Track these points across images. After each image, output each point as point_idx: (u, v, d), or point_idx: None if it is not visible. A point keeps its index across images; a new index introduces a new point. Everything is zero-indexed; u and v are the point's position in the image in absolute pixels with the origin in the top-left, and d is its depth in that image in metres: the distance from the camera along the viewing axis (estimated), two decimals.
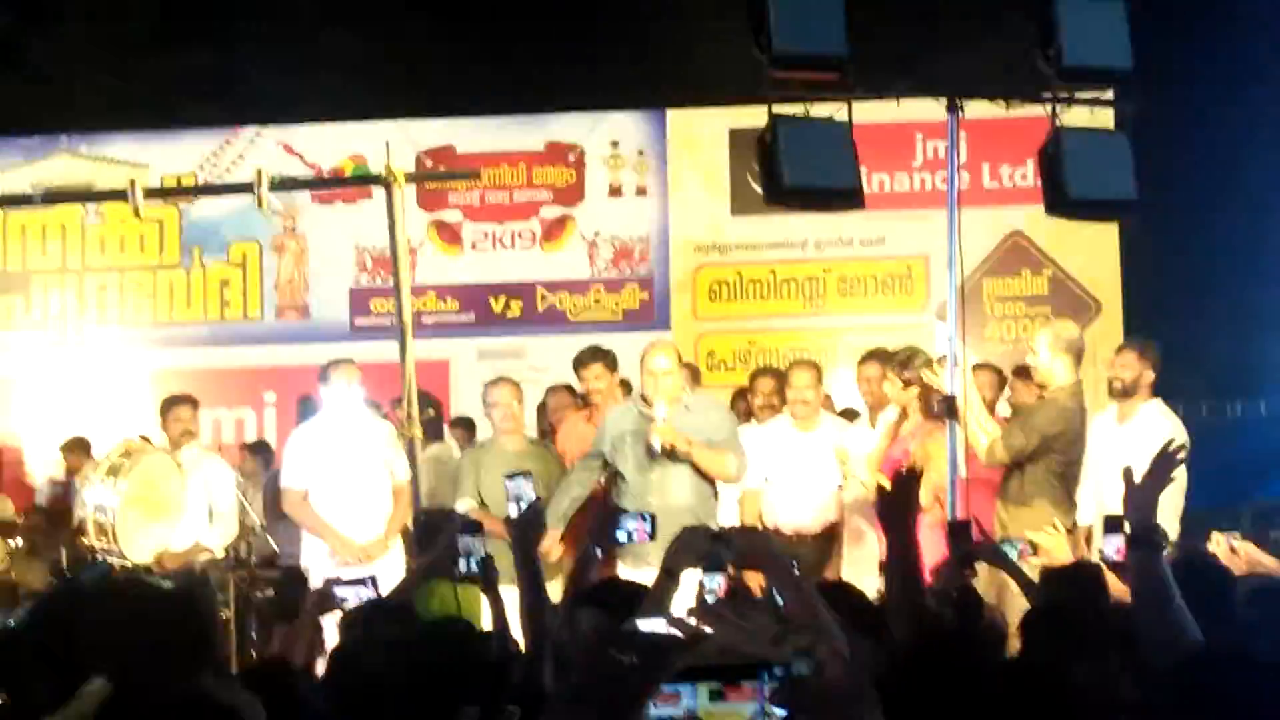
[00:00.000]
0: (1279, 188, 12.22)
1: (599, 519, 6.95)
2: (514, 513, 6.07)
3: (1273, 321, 12.26)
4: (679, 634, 3.48)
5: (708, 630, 3.83)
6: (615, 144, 14.28)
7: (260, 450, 12.43)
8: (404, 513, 10.06)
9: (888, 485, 9.22)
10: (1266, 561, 7.26)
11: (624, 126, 14.29)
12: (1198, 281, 12.61)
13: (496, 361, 13.66)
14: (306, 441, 10.23)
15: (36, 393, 14.26)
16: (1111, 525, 6.95)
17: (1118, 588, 6.17)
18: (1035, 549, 7.46)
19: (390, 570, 9.19)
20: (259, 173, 10.00)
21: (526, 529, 5.86)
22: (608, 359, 10.40)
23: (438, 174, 13.85)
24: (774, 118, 8.99)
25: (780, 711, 3.55)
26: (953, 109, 9.27)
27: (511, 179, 14.27)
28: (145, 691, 4.57)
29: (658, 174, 14.19)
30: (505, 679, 4.97)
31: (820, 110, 9.16)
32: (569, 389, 11.23)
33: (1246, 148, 12.18)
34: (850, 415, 11.07)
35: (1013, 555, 7.49)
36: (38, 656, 4.92)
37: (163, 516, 10.44)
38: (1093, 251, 13.59)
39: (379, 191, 10.66)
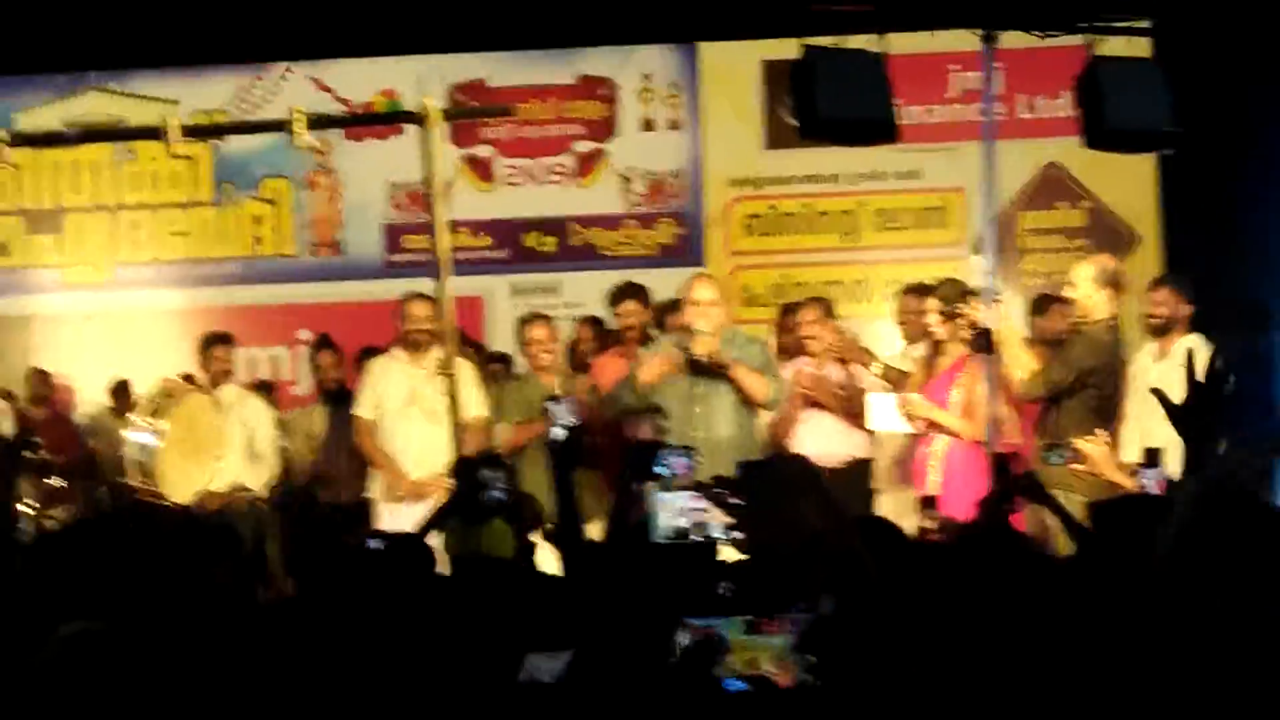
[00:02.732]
0: None
1: (638, 454, 6.94)
2: (555, 436, 6.00)
3: None
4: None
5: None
6: (647, 77, 14.16)
7: (263, 390, 12.38)
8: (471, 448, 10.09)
9: (934, 418, 9.27)
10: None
11: (656, 60, 14.17)
12: (1237, 212, 12.48)
13: (530, 298, 13.65)
14: (380, 373, 10.28)
15: (76, 331, 14.25)
16: (1151, 459, 6.94)
17: None
18: (1079, 456, 7.47)
19: None
20: (294, 110, 9.96)
21: (566, 454, 5.82)
22: (642, 295, 10.43)
23: (471, 110, 13.74)
24: (807, 50, 8.97)
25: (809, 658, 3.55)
26: (987, 40, 9.22)
27: (543, 114, 14.18)
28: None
29: (690, 108, 14.08)
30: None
31: (853, 42, 9.13)
32: (594, 321, 11.32)
33: None
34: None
35: (1058, 463, 7.50)
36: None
37: (203, 456, 10.48)
38: (1130, 183, 13.45)
39: (410, 127, 10.60)
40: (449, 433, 9.84)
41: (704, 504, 4.81)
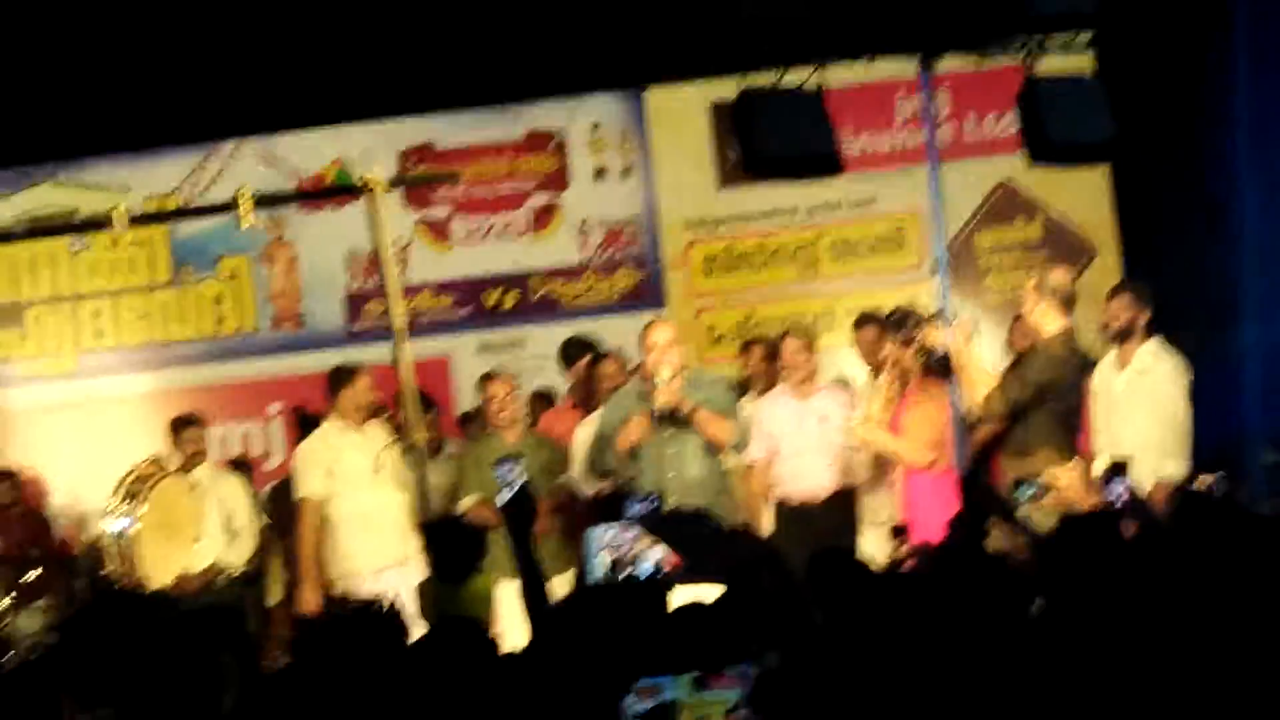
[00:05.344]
0: (1267, 115, 12.11)
1: (605, 502, 6.92)
2: (504, 498, 5.96)
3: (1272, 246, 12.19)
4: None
5: None
6: (596, 127, 14.17)
7: (239, 467, 12.40)
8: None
9: (892, 446, 9.33)
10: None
11: (604, 108, 14.19)
12: (1195, 215, 12.51)
13: (498, 354, 13.66)
14: (325, 448, 10.21)
15: (44, 424, 14.22)
16: (1117, 470, 6.94)
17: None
18: (1049, 489, 7.45)
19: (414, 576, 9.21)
20: (238, 191, 10.02)
21: (519, 514, 5.80)
22: (592, 349, 10.54)
23: (415, 178, 13.75)
24: (746, 89, 9.01)
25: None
26: (925, 65, 9.25)
27: (496, 171, 14.19)
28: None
29: (641, 153, 14.09)
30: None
31: (794, 77, 9.17)
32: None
33: (1228, 77, 12.08)
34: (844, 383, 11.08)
35: (1026, 496, 7.49)
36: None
37: (180, 539, 10.48)
38: (1084, 194, 13.49)
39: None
40: (409, 500, 9.88)
41: (632, 534, 4.80)
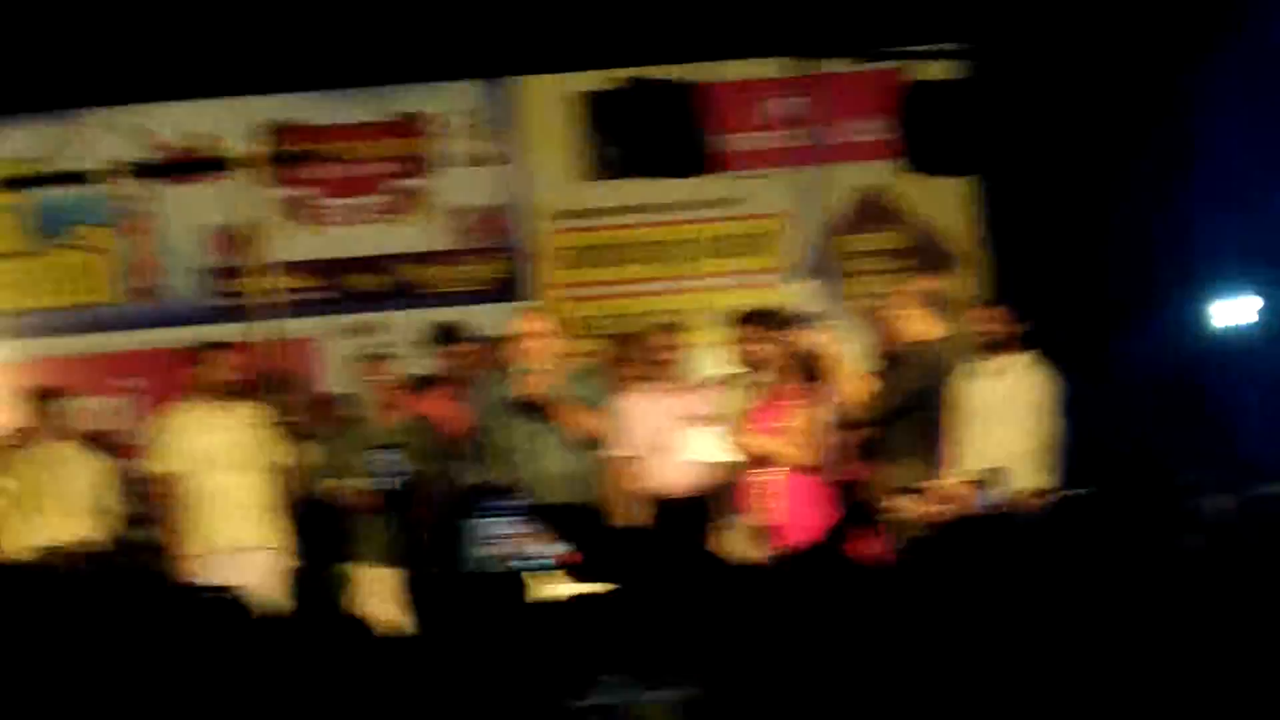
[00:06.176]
0: (1142, 133, 12.26)
1: (461, 497, 6.85)
2: (389, 487, 5.87)
3: (1140, 260, 12.35)
4: None
5: None
6: (470, 113, 14.07)
7: (104, 441, 12.25)
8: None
9: (763, 448, 9.32)
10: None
11: (478, 95, 14.11)
12: (1062, 228, 12.63)
13: (358, 338, 13.52)
14: (180, 426, 10.12)
15: None
16: (992, 478, 7.00)
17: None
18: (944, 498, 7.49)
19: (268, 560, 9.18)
20: (101, 161, 9.88)
21: (406, 503, 5.73)
22: (462, 335, 10.49)
23: (280, 155, 13.57)
24: (616, 82, 8.99)
25: None
26: (800, 69, 9.27)
27: (365, 152, 14.07)
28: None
29: (512, 142, 14.04)
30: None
31: (666, 73, 9.16)
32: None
33: (1104, 95, 12.21)
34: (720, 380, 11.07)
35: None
36: None
37: (45, 512, 10.35)
38: (951, 204, 13.53)
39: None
40: (271, 481, 9.80)
41: (513, 530, 4.79)
